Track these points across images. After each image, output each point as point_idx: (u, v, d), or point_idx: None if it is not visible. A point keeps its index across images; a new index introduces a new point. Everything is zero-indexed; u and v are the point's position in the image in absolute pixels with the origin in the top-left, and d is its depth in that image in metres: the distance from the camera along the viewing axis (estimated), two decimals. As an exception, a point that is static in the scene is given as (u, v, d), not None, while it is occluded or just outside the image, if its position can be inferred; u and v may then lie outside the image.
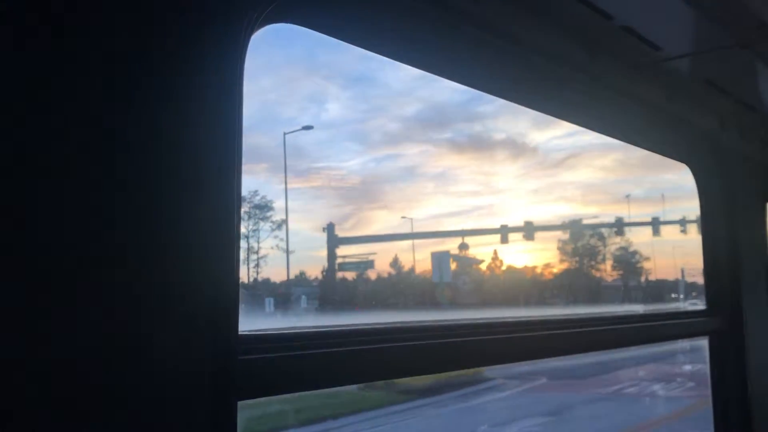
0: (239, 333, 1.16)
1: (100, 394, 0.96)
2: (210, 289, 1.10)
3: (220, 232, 1.13)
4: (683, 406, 15.24)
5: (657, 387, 17.24)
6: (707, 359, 3.09)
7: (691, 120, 2.87)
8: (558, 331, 2.11)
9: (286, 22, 1.35)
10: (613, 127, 2.59)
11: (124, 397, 0.99)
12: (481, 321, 1.82)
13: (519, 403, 15.97)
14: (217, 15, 1.14)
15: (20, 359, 0.89)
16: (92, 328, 0.96)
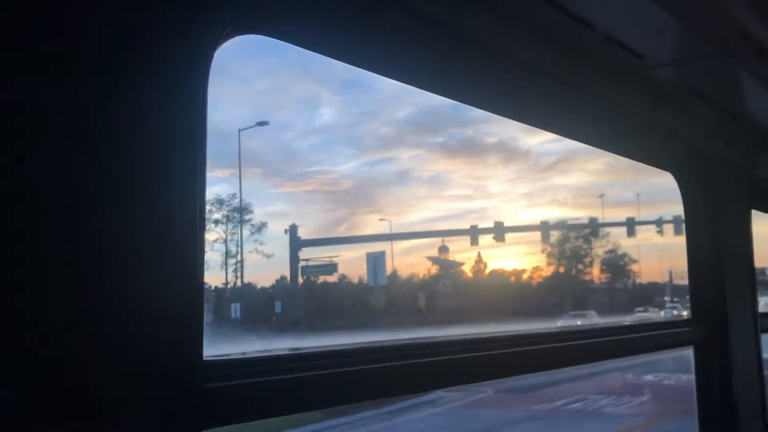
0: (204, 359, 1.12)
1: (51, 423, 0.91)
2: (172, 311, 1.05)
3: (184, 251, 1.08)
4: (623, 426, 14.47)
5: (604, 402, 16.21)
6: (674, 367, 3.07)
7: (675, 129, 2.85)
8: (543, 346, 2.08)
9: (256, 33, 1.30)
10: (597, 137, 2.57)
11: (79, 428, 0.94)
12: (458, 338, 1.78)
13: (444, 422, 15.28)
14: (187, 25, 1.11)
15: None
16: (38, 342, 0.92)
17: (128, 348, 1.00)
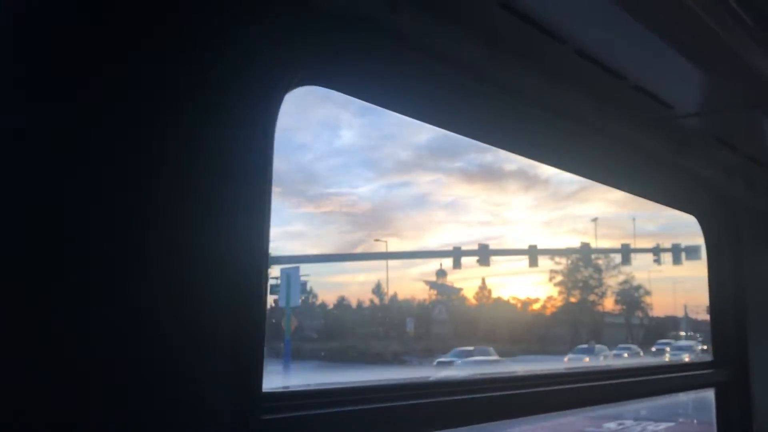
0: (263, 391, 1.19)
1: None
2: (235, 344, 1.12)
3: (248, 283, 1.16)
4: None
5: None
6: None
7: (699, 173, 2.91)
8: (562, 387, 2.12)
9: (317, 85, 1.40)
10: (624, 180, 2.64)
11: None
12: (490, 376, 1.84)
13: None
14: (259, 77, 1.22)
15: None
16: (96, 366, 0.98)
17: (190, 379, 1.06)
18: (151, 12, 1.07)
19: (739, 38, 1.91)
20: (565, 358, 24.15)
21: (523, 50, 1.78)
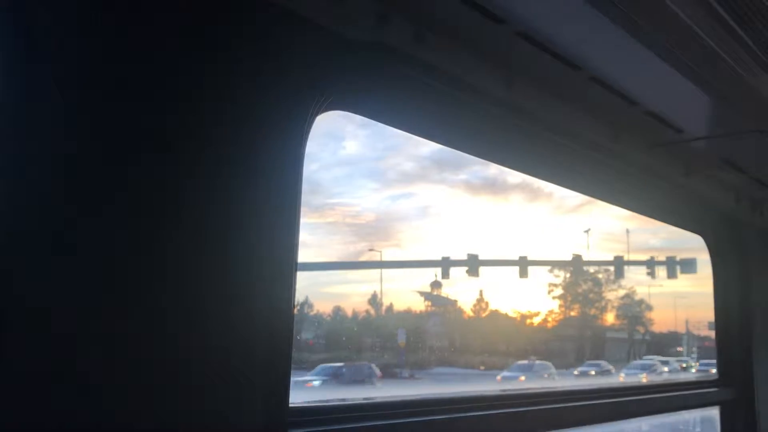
0: (290, 405, 1.22)
1: None
2: (264, 358, 1.16)
3: (277, 298, 1.20)
4: None
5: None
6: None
7: (706, 195, 2.96)
8: (566, 405, 2.15)
9: (344, 110, 1.46)
10: (632, 202, 2.69)
11: None
12: (510, 394, 1.88)
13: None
14: (292, 101, 1.29)
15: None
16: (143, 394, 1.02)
17: (219, 393, 1.11)
18: (185, 37, 1.12)
19: (746, 65, 1.97)
20: (498, 377, 21.52)
21: (539, 77, 1.84)
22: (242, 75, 1.20)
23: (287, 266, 1.23)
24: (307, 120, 1.31)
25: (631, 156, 2.40)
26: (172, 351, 1.06)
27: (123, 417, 1.00)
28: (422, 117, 1.68)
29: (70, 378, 0.95)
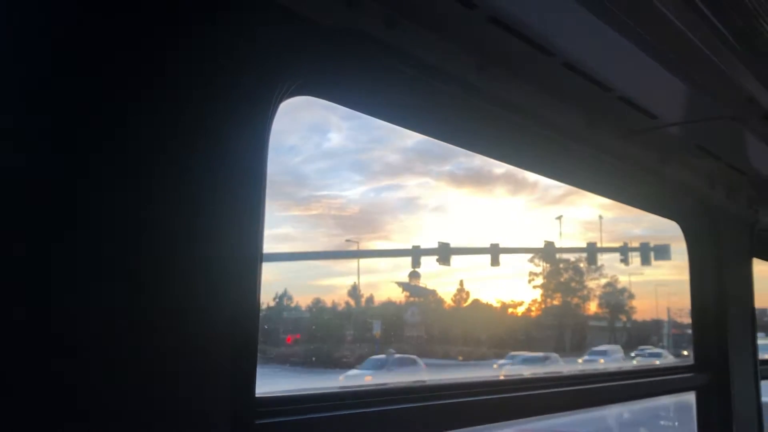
0: (256, 395, 1.21)
1: None
2: (231, 348, 1.14)
3: (242, 288, 1.18)
4: None
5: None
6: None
7: (681, 181, 2.97)
8: (544, 390, 2.16)
9: (311, 95, 1.44)
10: (608, 188, 2.69)
11: None
12: (485, 381, 1.88)
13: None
14: (255, 85, 1.26)
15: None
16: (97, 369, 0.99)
17: (185, 384, 1.09)
18: (148, 16, 1.09)
19: (719, 52, 1.97)
20: (341, 377, 21.68)
21: (511, 62, 1.83)
22: (204, 59, 1.17)
23: (252, 256, 1.20)
24: (272, 105, 1.28)
25: (606, 143, 2.41)
26: (137, 344, 1.03)
27: (95, 413, 0.98)
28: (392, 103, 1.66)
29: (40, 373, 0.93)
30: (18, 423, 0.91)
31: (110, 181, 1.03)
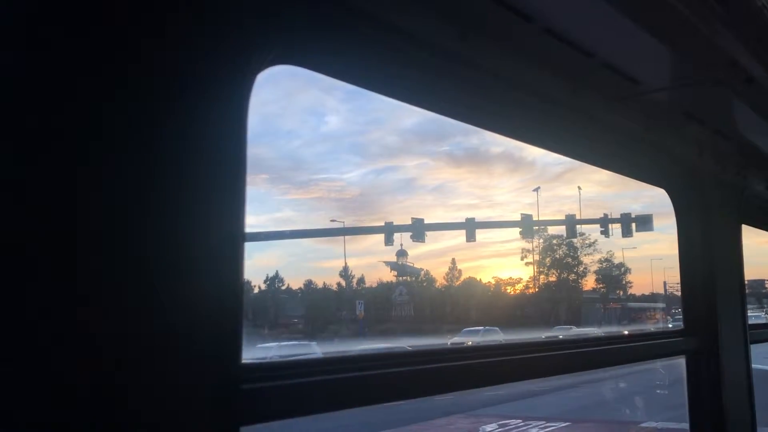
0: (242, 362, 1.23)
1: (99, 419, 1.01)
2: (214, 317, 1.16)
3: (226, 258, 1.19)
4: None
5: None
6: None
7: (668, 147, 2.99)
8: (538, 354, 2.19)
9: (289, 64, 1.43)
10: (594, 156, 2.70)
11: (124, 423, 1.04)
12: (469, 346, 1.90)
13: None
14: (231, 57, 1.24)
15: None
16: (88, 342, 1.01)
17: (173, 352, 1.10)
18: None
19: (702, 16, 1.97)
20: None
21: (491, 29, 1.82)
22: (176, 32, 1.16)
23: (235, 230, 1.21)
24: (249, 77, 1.28)
25: (591, 110, 2.41)
26: (122, 317, 1.05)
27: (78, 389, 0.99)
28: (372, 70, 1.66)
29: (18, 353, 0.94)
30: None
31: (82, 161, 1.03)
